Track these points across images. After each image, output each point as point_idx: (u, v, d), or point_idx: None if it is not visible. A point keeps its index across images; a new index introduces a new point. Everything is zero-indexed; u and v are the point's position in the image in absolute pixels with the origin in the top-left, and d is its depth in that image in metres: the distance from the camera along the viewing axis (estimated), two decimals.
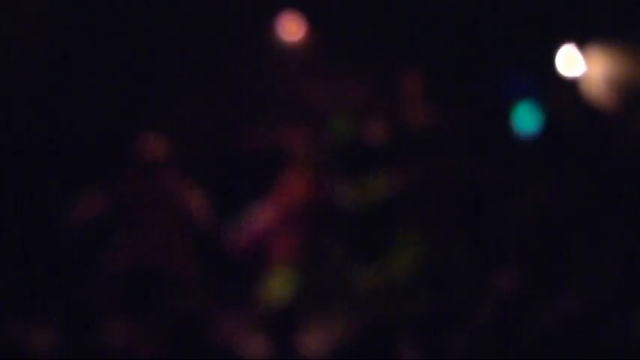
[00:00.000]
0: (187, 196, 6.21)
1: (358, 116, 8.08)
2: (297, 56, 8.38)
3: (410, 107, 7.85)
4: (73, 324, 5.39)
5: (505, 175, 6.67)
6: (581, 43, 7.39)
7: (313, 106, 8.01)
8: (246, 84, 8.24)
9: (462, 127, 6.88)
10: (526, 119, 7.31)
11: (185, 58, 8.11)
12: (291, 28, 8.36)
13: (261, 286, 6.13)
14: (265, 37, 8.32)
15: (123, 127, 7.29)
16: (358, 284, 6.11)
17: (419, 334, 5.74)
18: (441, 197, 6.21)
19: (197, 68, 8.13)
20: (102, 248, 6.25)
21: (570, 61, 7.43)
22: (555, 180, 6.58)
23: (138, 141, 6.19)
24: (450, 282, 6.02)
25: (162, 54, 8.09)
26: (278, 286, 6.01)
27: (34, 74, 7.62)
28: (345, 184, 6.36)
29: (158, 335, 5.37)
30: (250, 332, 6.04)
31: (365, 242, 6.26)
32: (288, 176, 6.17)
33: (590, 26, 7.34)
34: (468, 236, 6.32)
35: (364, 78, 8.37)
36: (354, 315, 5.88)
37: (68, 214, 6.13)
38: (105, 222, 6.17)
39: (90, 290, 6.12)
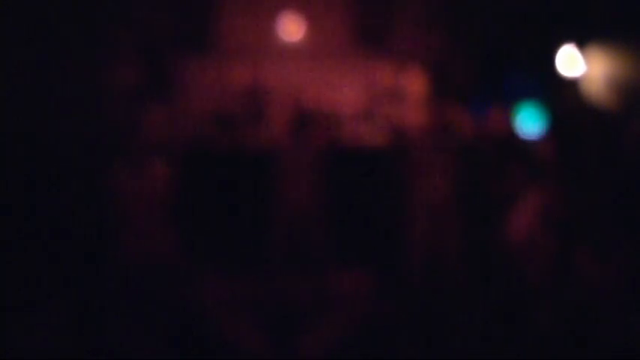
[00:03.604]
0: None
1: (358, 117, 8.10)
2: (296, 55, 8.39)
3: (411, 108, 7.87)
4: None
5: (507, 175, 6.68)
6: (581, 43, 7.40)
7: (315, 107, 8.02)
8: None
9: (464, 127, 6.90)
10: (527, 119, 7.31)
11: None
12: (291, 28, 8.37)
13: None
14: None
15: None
16: None
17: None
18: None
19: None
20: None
21: (570, 61, 7.44)
22: (556, 180, 6.58)
23: None
24: None
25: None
26: None
27: None
28: None
29: None
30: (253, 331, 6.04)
31: None
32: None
33: (590, 26, 7.35)
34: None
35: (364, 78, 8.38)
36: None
37: None
38: None
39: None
